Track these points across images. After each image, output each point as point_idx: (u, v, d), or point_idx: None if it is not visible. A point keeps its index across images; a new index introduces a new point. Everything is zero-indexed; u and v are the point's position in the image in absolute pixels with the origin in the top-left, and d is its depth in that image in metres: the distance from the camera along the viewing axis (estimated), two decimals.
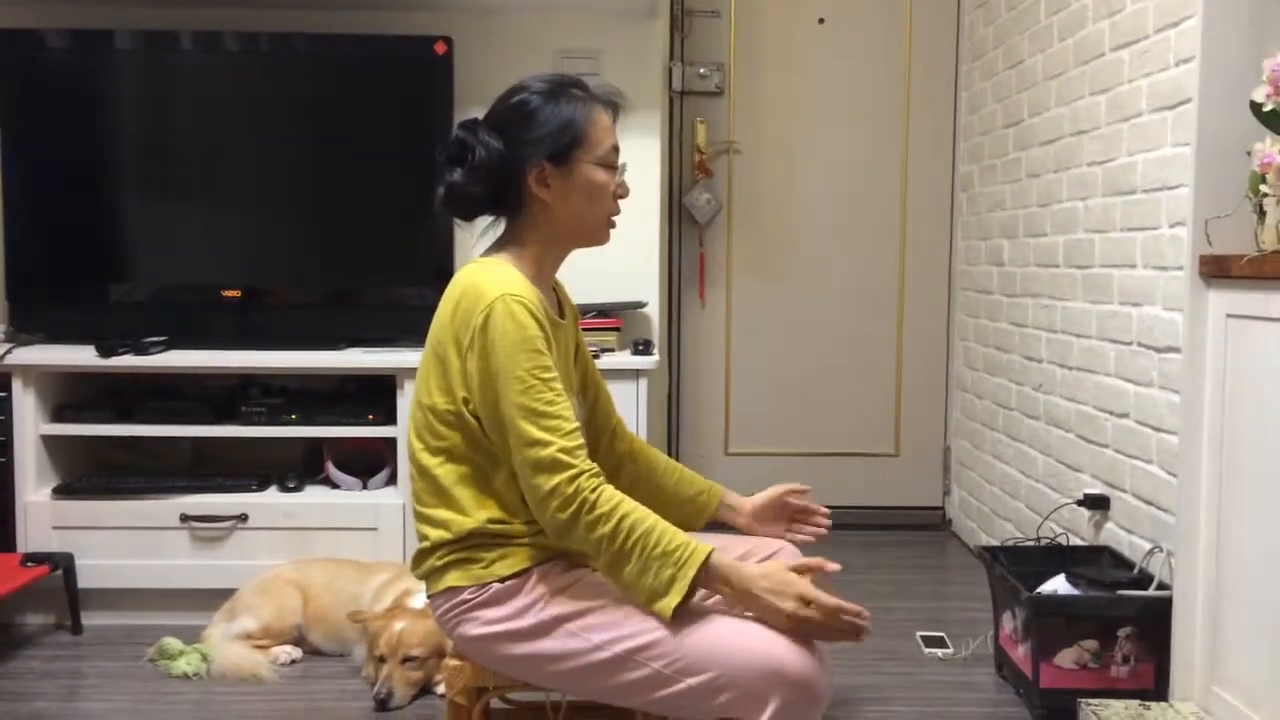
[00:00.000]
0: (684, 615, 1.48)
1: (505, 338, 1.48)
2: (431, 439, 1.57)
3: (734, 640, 1.45)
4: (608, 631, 1.50)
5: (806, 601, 1.44)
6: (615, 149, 1.63)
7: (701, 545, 1.46)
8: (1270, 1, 1.98)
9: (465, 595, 1.55)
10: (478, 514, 1.54)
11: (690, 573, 1.44)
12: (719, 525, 1.85)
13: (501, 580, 1.54)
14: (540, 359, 1.49)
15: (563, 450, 1.46)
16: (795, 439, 3.88)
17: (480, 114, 1.64)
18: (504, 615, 1.53)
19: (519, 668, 1.56)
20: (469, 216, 1.65)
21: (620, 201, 1.66)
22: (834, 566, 1.53)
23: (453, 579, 1.55)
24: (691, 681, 1.45)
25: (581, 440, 1.50)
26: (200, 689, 2.41)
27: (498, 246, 1.65)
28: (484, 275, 1.54)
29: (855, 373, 3.88)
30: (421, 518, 1.60)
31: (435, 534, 1.57)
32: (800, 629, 1.45)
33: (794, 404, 3.88)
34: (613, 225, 1.66)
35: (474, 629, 1.55)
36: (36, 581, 2.62)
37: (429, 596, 1.62)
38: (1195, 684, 2.08)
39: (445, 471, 1.56)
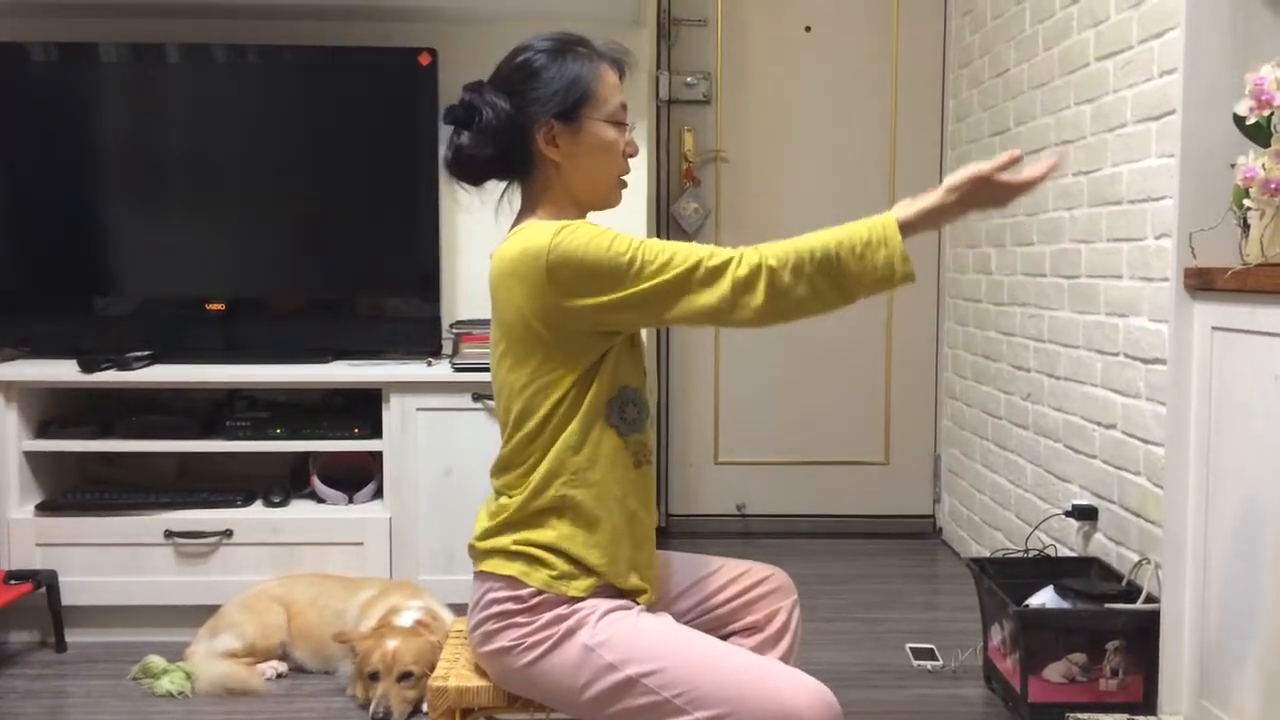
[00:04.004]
0: (701, 648, 1.48)
1: (588, 252, 1.46)
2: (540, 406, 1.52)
3: (750, 679, 1.44)
4: (621, 652, 1.48)
5: (985, 179, 1.48)
6: (624, 106, 1.60)
7: (885, 218, 1.51)
8: (1252, 14, 1.98)
9: (524, 593, 1.51)
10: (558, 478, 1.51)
11: (897, 239, 1.50)
12: None
13: (557, 594, 1.51)
14: (626, 236, 1.49)
15: (708, 258, 1.48)
16: (785, 448, 3.87)
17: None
18: (537, 626, 1.51)
19: (525, 681, 1.54)
20: (477, 181, 1.61)
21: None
22: (1016, 153, 1.51)
23: (519, 570, 1.52)
24: (700, 714, 1.44)
25: (709, 245, 1.51)
26: (184, 708, 2.39)
27: (520, 218, 1.62)
28: (526, 236, 1.50)
29: (845, 380, 3.88)
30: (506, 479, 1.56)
31: (512, 501, 1.53)
32: (1009, 190, 1.49)
33: (783, 412, 3.87)
34: (624, 185, 1.64)
35: (499, 641, 1.53)
36: (20, 599, 2.60)
37: (482, 571, 1.56)
38: (1184, 697, 2.07)
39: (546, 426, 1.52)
